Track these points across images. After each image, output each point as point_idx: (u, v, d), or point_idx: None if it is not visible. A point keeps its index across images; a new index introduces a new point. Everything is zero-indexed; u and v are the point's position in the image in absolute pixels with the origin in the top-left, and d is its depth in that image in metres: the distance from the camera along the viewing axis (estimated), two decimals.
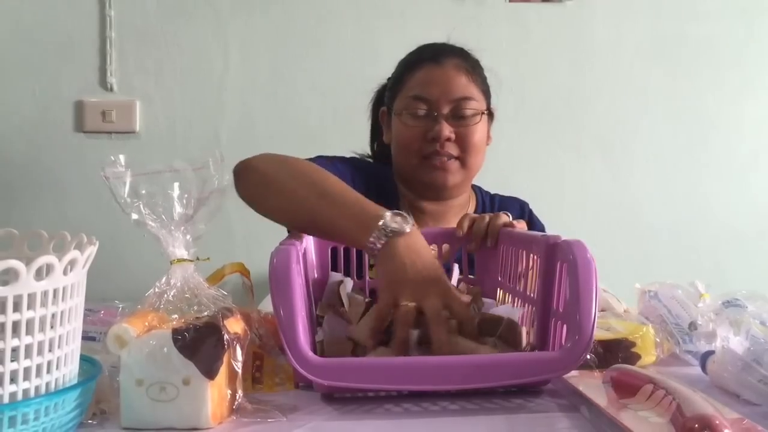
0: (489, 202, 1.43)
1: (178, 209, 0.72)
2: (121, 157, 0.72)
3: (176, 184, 0.73)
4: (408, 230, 0.85)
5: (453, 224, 1.26)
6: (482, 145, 1.30)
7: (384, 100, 1.38)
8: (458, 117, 1.26)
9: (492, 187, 1.48)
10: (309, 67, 2.07)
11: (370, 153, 1.47)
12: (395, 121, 1.30)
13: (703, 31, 2.16)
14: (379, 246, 0.85)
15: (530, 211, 1.43)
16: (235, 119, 2.06)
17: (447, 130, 1.24)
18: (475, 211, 1.38)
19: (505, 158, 2.09)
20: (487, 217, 1.07)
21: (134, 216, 0.72)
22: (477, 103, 1.27)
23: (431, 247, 1.00)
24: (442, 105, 1.25)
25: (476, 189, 1.43)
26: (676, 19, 2.16)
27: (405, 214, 0.87)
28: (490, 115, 1.33)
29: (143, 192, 0.72)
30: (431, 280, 0.83)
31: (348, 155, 1.41)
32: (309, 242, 1.02)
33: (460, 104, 1.25)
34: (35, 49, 2.01)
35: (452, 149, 1.26)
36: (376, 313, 0.83)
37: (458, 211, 1.34)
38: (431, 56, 1.29)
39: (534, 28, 2.12)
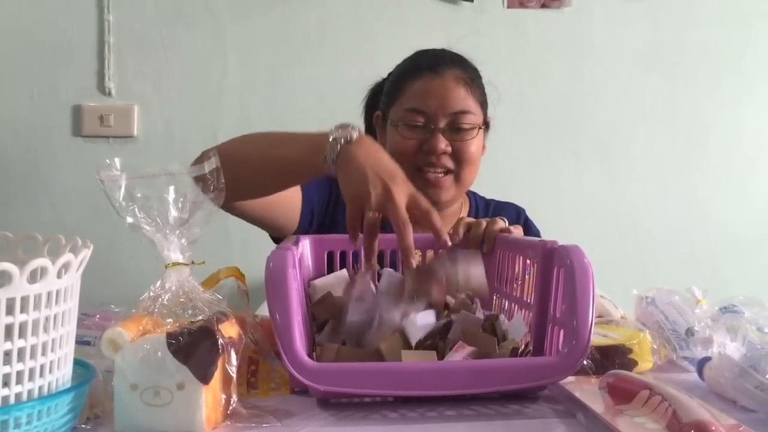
0: (484, 208, 1.42)
1: (173, 213, 0.72)
2: (117, 161, 0.72)
3: (171, 188, 0.73)
4: (356, 137, 0.89)
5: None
6: (477, 158, 1.29)
7: (378, 103, 1.37)
8: (455, 130, 1.25)
9: (490, 192, 1.47)
10: (308, 72, 2.07)
11: None
12: (391, 131, 1.29)
13: (701, 38, 2.16)
14: (333, 161, 0.88)
15: (526, 217, 1.42)
16: (233, 124, 2.06)
17: (443, 144, 1.23)
18: (467, 216, 1.37)
19: (504, 164, 2.09)
20: (483, 222, 1.07)
21: (129, 219, 0.72)
22: (474, 117, 1.26)
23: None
24: (439, 118, 1.24)
25: (470, 194, 1.42)
26: (673, 25, 2.16)
27: (351, 124, 0.91)
28: (487, 126, 1.32)
29: (138, 195, 0.72)
30: (391, 179, 0.84)
31: None
32: (305, 246, 1.02)
33: (458, 118, 1.24)
34: (33, 52, 2.01)
35: (447, 162, 1.25)
36: (348, 226, 0.87)
37: (450, 219, 1.33)
38: (430, 66, 1.27)
39: (532, 35, 2.12)
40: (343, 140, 0.89)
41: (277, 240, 1.30)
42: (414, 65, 1.31)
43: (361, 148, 0.88)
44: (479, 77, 1.31)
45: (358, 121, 1.46)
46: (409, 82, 1.27)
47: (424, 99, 1.24)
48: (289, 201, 1.22)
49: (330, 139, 0.89)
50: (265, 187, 1.08)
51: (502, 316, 0.91)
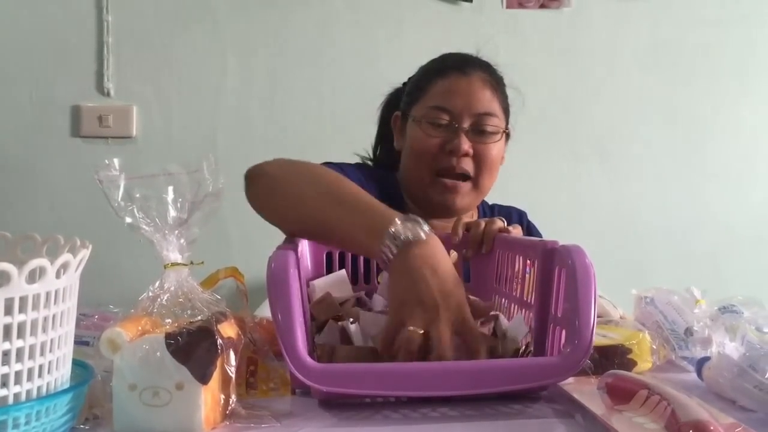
0: (489, 213, 1.42)
1: (172, 213, 0.72)
2: (115, 161, 0.72)
3: (170, 188, 0.73)
4: (423, 237, 0.78)
5: None
6: (497, 164, 1.27)
7: (398, 105, 1.35)
8: (478, 132, 1.23)
9: (489, 192, 1.47)
10: (306, 73, 2.07)
11: (371, 157, 1.45)
12: (412, 128, 1.27)
13: (700, 38, 2.17)
14: (390, 257, 0.78)
15: (528, 221, 1.42)
16: (232, 125, 2.06)
17: (466, 145, 1.22)
18: None
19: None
20: (482, 222, 1.07)
21: (128, 220, 0.71)
22: (498, 121, 1.25)
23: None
24: (464, 118, 1.22)
25: None
26: (673, 25, 2.16)
27: (420, 219, 0.80)
28: (507, 135, 1.31)
29: (137, 196, 0.72)
30: (445, 301, 0.75)
31: (352, 161, 1.39)
32: (304, 247, 1.02)
33: (482, 119, 1.23)
34: (32, 53, 2.01)
35: (468, 165, 1.23)
36: (381, 338, 0.77)
37: None
38: (457, 65, 1.27)
39: (531, 35, 2.12)
40: (408, 237, 0.77)
41: None
42: (441, 65, 1.30)
43: (425, 251, 0.77)
44: (504, 84, 1.31)
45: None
46: (435, 80, 1.26)
47: (450, 97, 1.23)
48: None
49: (391, 231, 0.77)
50: (307, 235, 0.97)
51: (501, 316, 0.91)
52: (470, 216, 1.36)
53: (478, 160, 1.24)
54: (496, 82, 1.28)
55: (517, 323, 0.87)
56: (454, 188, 1.24)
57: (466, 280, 1.09)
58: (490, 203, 1.45)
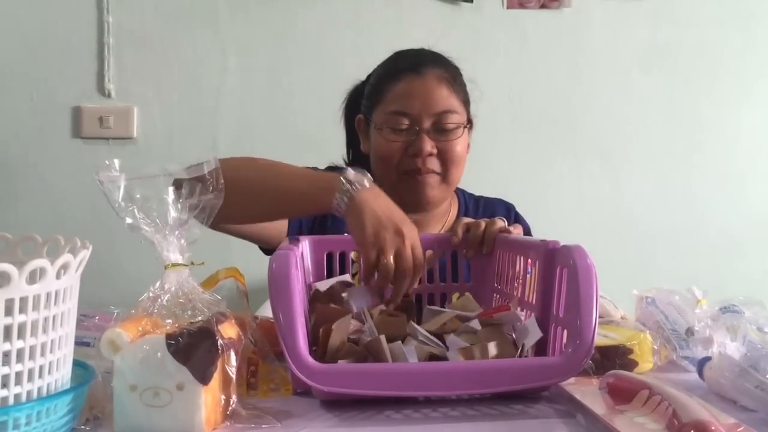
0: (474, 205, 1.40)
1: (172, 213, 0.72)
2: (116, 161, 0.71)
3: (171, 188, 0.73)
4: (368, 185, 0.94)
5: (434, 232, 1.26)
6: (463, 157, 1.27)
7: (359, 106, 1.34)
8: (440, 131, 1.23)
9: (490, 193, 1.47)
10: (307, 73, 2.07)
11: (346, 160, 1.44)
12: (375, 135, 1.27)
13: (700, 38, 2.17)
14: (345, 202, 0.92)
15: (516, 213, 1.41)
16: (232, 125, 2.06)
17: (429, 146, 1.21)
18: (457, 215, 1.35)
19: (503, 165, 2.10)
20: (482, 223, 1.06)
21: (128, 220, 0.71)
22: (458, 116, 1.24)
23: None
24: (423, 119, 1.21)
25: (458, 192, 1.40)
26: (672, 25, 2.16)
27: (363, 170, 0.95)
28: (470, 124, 1.30)
29: (138, 196, 0.72)
30: (403, 226, 0.92)
31: (325, 165, 1.38)
32: (305, 247, 1.02)
33: (442, 118, 1.22)
34: (33, 54, 2.01)
35: (434, 164, 1.23)
36: (365, 273, 0.92)
37: (439, 219, 1.33)
38: (411, 66, 1.25)
39: (531, 35, 2.12)
40: (357, 185, 0.93)
41: (265, 251, 1.29)
42: (394, 66, 1.29)
43: (372, 194, 0.93)
44: (460, 75, 1.30)
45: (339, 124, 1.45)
46: (390, 84, 1.25)
47: (407, 100, 1.23)
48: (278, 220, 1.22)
49: (343, 181, 0.93)
50: (262, 215, 1.11)
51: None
52: (449, 206, 1.35)
53: (444, 157, 1.24)
54: (452, 77, 1.26)
55: (530, 327, 0.86)
56: (423, 182, 1.24)
57: (466, 281, 1.09)
58: (476, 195, 1.43)
